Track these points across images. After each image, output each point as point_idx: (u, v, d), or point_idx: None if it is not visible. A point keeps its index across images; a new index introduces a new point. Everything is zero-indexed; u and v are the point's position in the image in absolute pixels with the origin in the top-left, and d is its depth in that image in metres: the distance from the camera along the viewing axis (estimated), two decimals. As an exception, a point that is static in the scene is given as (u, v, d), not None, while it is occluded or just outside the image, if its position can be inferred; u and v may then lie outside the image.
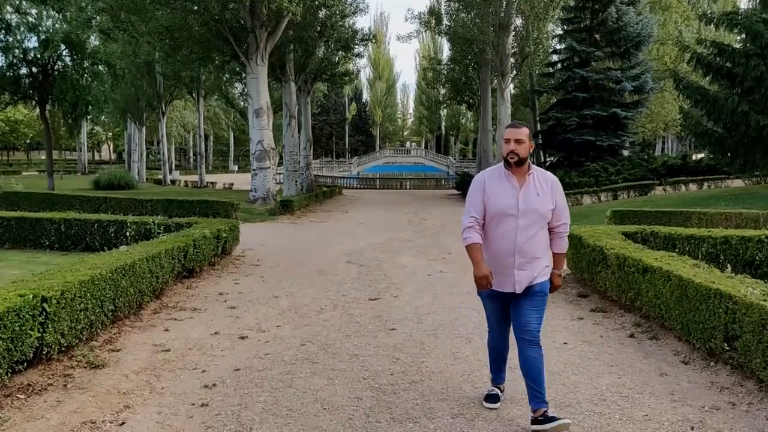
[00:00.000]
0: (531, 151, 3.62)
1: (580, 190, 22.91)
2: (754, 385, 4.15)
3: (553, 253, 3.78)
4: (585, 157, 28.15)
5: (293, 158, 26.38)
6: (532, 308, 3.59)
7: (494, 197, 3.57)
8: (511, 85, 29.68)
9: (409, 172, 50.22)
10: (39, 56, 27.76)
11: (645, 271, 5.82)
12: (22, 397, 3.95)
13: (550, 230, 3.68)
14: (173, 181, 41.01)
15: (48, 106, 30.39)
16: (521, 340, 3.59)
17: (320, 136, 66.76)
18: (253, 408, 3.90)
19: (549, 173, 3.72)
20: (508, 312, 3.75)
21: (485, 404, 3.93)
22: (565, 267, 3.97)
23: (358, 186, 40.38)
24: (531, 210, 3.54)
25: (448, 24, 29.75)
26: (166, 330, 5.67)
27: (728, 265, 7.10)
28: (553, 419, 3.47)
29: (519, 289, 3.58)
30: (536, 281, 3.60)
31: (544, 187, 3.61)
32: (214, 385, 4.28)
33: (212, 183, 38.28)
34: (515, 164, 3.56)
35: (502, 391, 4.03)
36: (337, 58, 28.43)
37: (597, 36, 29.72)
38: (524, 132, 3.57)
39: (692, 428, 3.61)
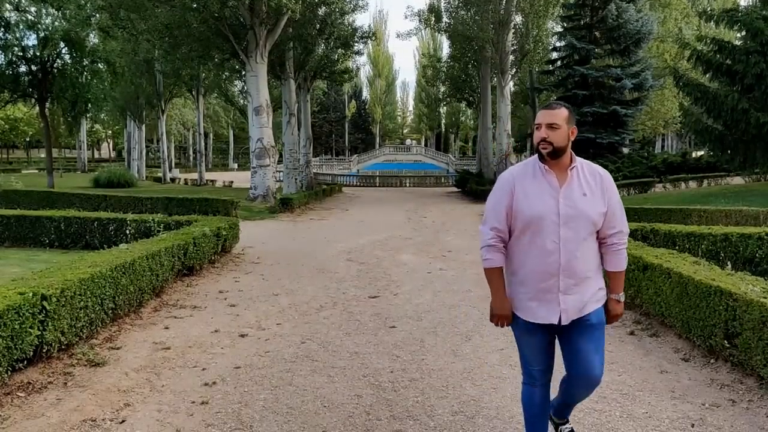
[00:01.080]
0: (573, 138, 2.79)
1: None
2: (754, 382, 4.15)
3: (609, 273, 2.89)
4: (585, 154, 28.05)
5: (293, 156, 26.37)
6: (593, 349, 2.82)
7: (527, 200, 2.74)
8: (511, 83, 29.67)
9: (409, 170, 50.25)
10: (38, 54, 27.79)
11: (645, 269, 5.82)
12: (22, 395, 3.95)
13: (601, 241, 2.84)
14: (173, 179, 41.02)
15: (47, 104, 30.43)
16: (580, 385, 2.92)
17: (320, 134, 66.73)
18: (253, 406, 3.90)
19: (598, 166, 2.90)
20: (552, 350, 2.94)
21: None
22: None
23: (358, 184, 40.38)
24: (577, 215, 2.71)
25: (448, 21, 29.73)
26: (166, 328, 5.67)
27: (728, 263, 7.11)
28: None
29: (566, 320, 2.77)
30: (588, 310, 2.79)
31: (592, 183, 2.79)
32: (214, 383, 4.28)
33: (212, 181, 38.28)
34: (549, 156, 2.74)
35: None
36: (336, 56, 28.42)
37: (597, 33, 29.72)
38: (560, 114, 2.74)
39: (692, 425, 3.61)
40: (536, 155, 2.84)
